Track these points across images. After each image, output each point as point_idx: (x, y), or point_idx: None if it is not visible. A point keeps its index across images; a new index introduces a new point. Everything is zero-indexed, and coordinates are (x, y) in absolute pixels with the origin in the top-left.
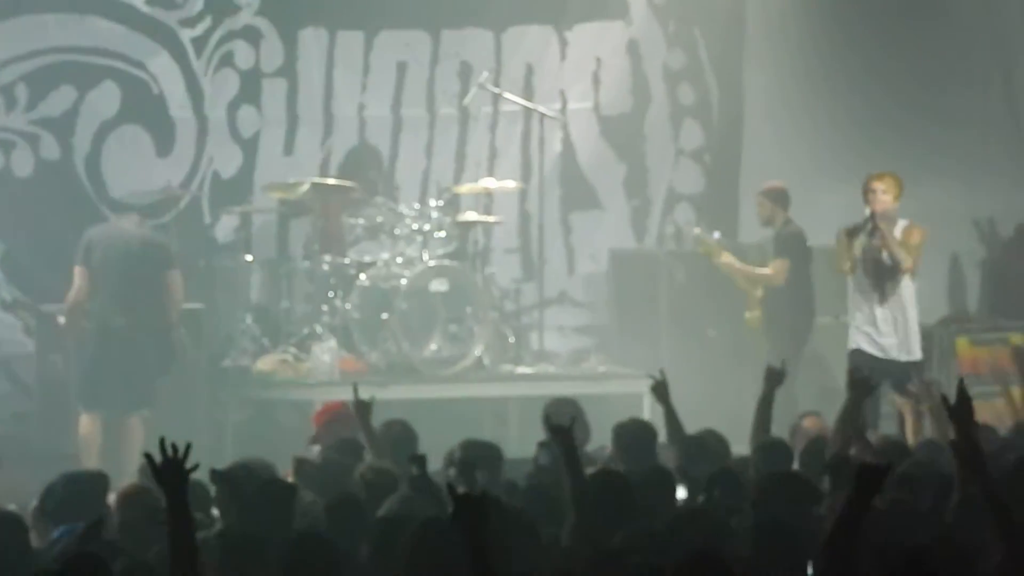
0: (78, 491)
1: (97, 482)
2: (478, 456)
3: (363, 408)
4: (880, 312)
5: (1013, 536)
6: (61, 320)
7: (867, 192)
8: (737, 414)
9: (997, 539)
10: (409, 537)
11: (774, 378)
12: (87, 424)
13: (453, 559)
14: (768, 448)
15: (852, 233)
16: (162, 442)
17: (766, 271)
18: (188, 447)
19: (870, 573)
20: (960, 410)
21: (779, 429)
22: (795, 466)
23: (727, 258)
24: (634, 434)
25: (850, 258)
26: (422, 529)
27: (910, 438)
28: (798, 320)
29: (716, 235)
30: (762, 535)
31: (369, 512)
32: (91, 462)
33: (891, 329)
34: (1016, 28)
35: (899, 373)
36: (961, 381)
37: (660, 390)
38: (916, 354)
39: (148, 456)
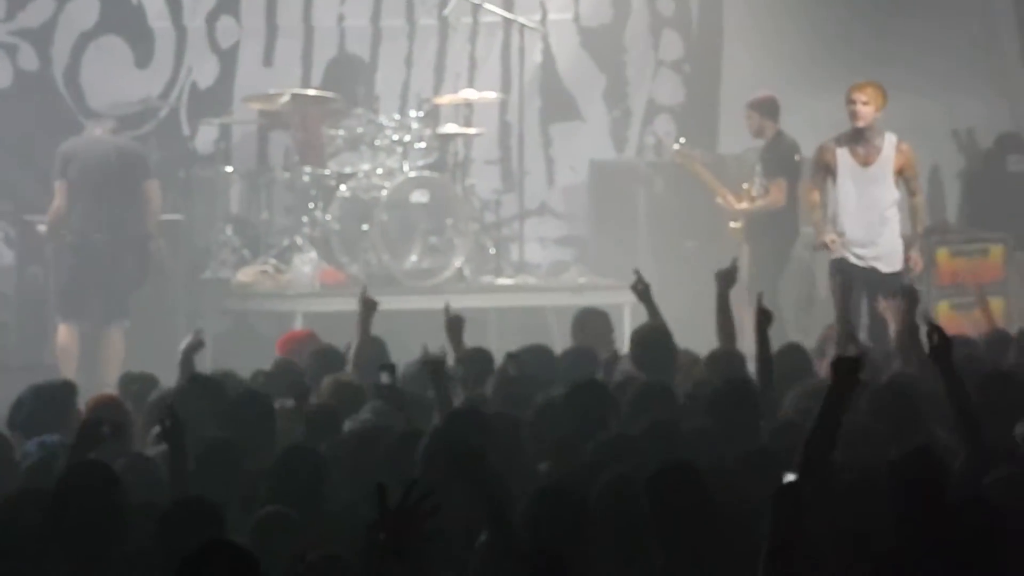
0: (46, 402)
1: (64, 392)
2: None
3: (369, 305)
4: (864, 223)
5: (975, 438)
6: (42, 229)
7: (848, 102)
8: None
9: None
10: (387, 449)
11: (725, 278)
12: (65, 334)
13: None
14: (718, 358)
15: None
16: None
17: (763, 201)
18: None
19: (852, 483)
20: (939, 352)
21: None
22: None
23: (733, 200)
24: (651, 339)
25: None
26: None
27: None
28: (781, 231)
29: (681, 141)
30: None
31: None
32: (69, 373)
33: (883, 243)
34: None
35: (880, 283)
36: (938, 331)
37: (642, 290)
38: (897, 265)
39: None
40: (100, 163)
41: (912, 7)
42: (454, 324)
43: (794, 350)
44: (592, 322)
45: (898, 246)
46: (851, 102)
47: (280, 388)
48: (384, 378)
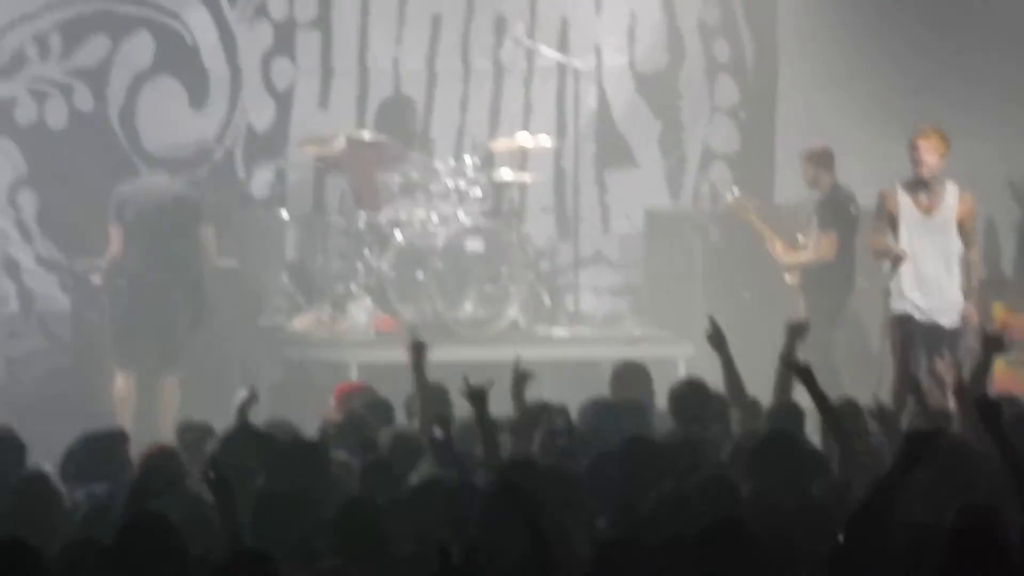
0: (97, 451)
1: (116, 441)
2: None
3: (419, 349)
4: (930, 278)
5: None
6: (96, 278)
7: (913, 150)
8: (771, 376)
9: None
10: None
11: (795, 332)
12: (122, 383)
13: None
14: (779, 411)
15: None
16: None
17: (812, 253)
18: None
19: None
20: (989, 416)
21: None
22: None
23: (782, 251)
24: (689, 397)
25: (881, 241)
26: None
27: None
28: (837, 285)
29: (735, 191)
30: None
31: (399, 476)
32: (126, 421)
33: (946, 298)
34: None
35: (941, 338)
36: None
37: (717, 338)
38: (959, 320)
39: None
40: (155, 208)
41: (970, 53)
42: (520, 380)
43: (847, 405)
44: (631, 377)
45: (959, 300)
46: (915, 149)
47: (349, 441)
48: (437, 432)
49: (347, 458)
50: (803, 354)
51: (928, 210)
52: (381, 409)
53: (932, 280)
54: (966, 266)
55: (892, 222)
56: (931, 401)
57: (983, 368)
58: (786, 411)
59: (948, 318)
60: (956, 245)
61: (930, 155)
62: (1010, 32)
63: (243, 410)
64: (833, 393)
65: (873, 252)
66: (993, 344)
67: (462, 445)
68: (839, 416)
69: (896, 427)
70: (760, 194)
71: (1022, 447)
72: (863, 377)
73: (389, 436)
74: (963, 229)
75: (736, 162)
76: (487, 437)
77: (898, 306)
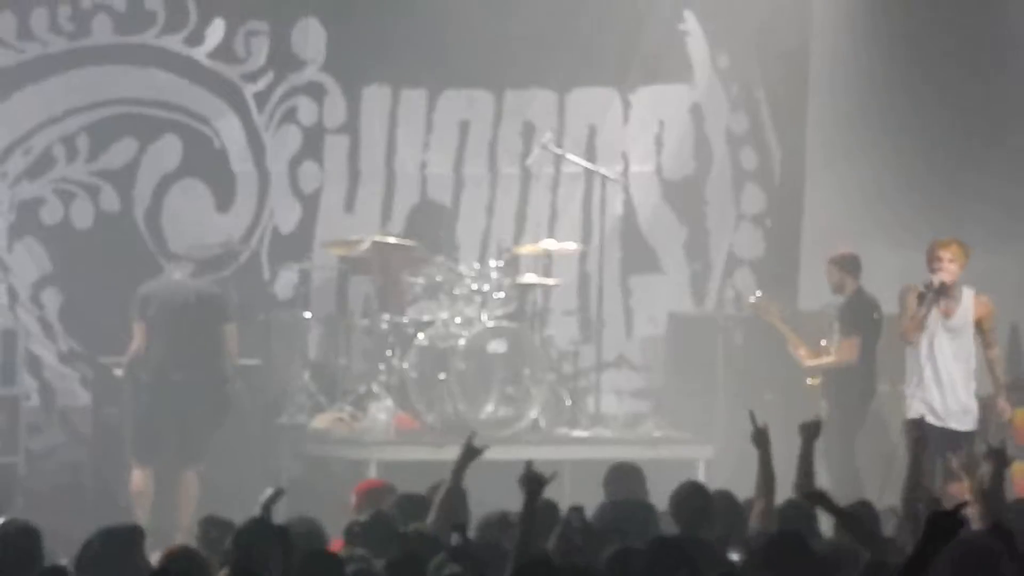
0: (113, 547)
1: (132, 537)
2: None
3: (472, 453)
4: (947, 383)
5: None
6: (118, 372)
7: (932, 259)
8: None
9: None
10: None
11: (809, 430)
12: (139, 478)
13: None
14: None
15: (920, 299)
16: None
17: (835, 358)
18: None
19: None
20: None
21: (847, 497)
22: None
23: (805, 355)
24: (690, 499)
25: (916, 326)
26: None
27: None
28: (859, 388)
29: (758, 294)
30: None
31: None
32: (143, 516)
33: (962, 402)
34: None
35: (955, 443)
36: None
37: (761, 437)
38: (971, 424)
39: None
40: (180, 305)
41: (993, 165)
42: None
43: (862, 507)
44: (625, 477)
45: (973, 405)
46: (937, 259)
47: (373, 540)
48: (455, 539)
49: (367, 554)
50: (827, 457)
51: (947, 313)
52: (412, 505)
53: (948, 384)
54: (990, 365)
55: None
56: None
57: (996, 480)
58: (795, 509)
59: (962, 423)
60: (972, 348)
61: (952, 264)
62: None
63: (267, 506)
64: (856, 496)
65: (905, 329)
66: (999, 458)
67: (483, 539)
68: (861, 522)
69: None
70: (784, 299)
71: None
72: (886, 480)
73: (409, 532)
74: (983, 329)
75: (761, 268)
76: (527, 528)
77: (914, 409)
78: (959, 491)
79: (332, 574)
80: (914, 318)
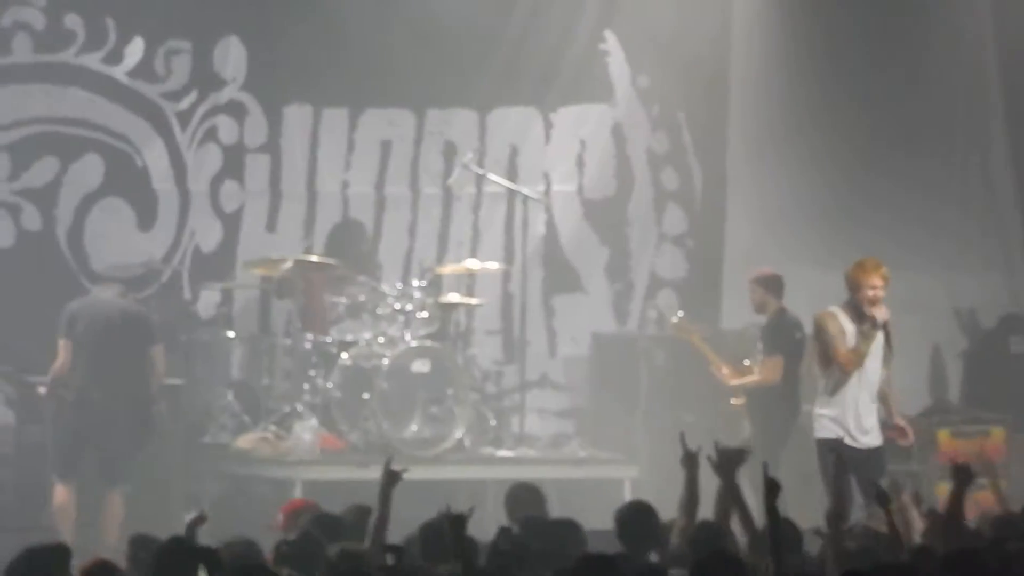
0: (40, 566)
1: (58, 555)
2: None
3: (392, 477)
4: (863, 403)
5: None
6: (42, 391)
7: (864, 286)
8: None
9: None
10: None
11: (733, 460)
12: (61, 494)
13: None
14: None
15: (864, 335)
16: None
17: (757, 377)
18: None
19: None
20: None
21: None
22: None
23: (728, 374)
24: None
25: (858, 360)
26: None
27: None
28: (782, 408)
29: (680, 314)
30: None
31: None
32: (67, 533)
33: (872, 421)
34: (993, 109)
35: (868, 457)
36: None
37: (690, 460)
38: (879, 440)
39: None
40: (105, 325)
41: (914, 185)
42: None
43: (787, 525)
44: (524, 497)
45: (876, 422)
46: (871, 287)
47: (301, 560)
48: (389, 559)
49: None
50: (749, 476)
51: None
52: (329, 524)
53: (864, 404)
54: (890, 385)
55: (830, 346)
56: (872, 522)
57: (957, 499)
58: (711, 530)
59: (873, 439)
60: (879, 371)
61: (883, 292)
62: (956, 157)
63: (191, 528)
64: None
65: (846, 361)
66: (963, 474)
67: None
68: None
69: (840, 547)
70: (707, 320)
71: None
72: (807, 498)
73: (336, 552)
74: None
75: (683, 288)
76: (465, 559)
77: (828, 430)
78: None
79: None
80: (856, 352)
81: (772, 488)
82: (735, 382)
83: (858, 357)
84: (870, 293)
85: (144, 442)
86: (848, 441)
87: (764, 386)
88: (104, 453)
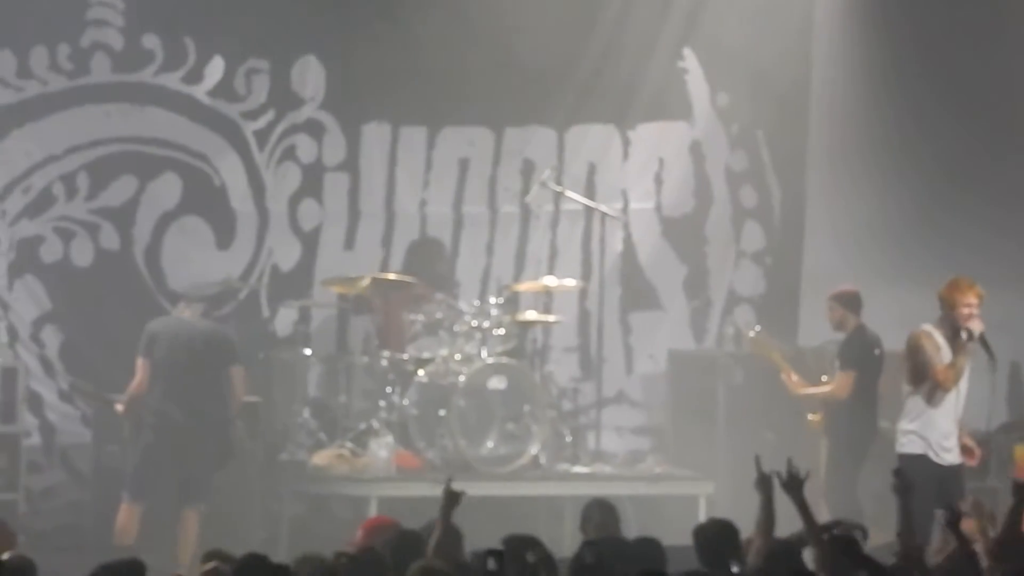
0: None
1: (133, 571)
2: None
3: (453, 498)
4: (949, 421)
5: None
6: (119, 408)
7: (960, 304)
8: (791, 517)
9: None
10: None
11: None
12: (127, 514)
13: None
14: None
15: (960, 349)
16: None
17: (827, 387)
18: None
19: None
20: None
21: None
22: None
23: (796, 383)
24: (716, 536)
25: (956, 376)
26: None
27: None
28: (860, 426)
29: (757, 328)
30: None
31: None
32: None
33: (954, 440)
34: None
35: (955, 475)
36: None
37: (765, 482)
38: (959, 458)
39: None
40: (186, 345)
41: (1002, 197)
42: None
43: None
44: (597, 514)
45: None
46: (967, 305)
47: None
48: (491, 564)
49: None
50: (829, 495)
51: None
52: (412, 541)
53: (949, 422)
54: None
55: (927, 364)
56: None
57: (1016, 515)
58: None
59: (955, 457)
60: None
61: (978, 308)
62: None
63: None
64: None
65: (944, 379)
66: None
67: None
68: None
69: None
70: (784, 337)
71: None
72: (885, 516)
73: (419, 570)
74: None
75: (761, 305)
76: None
77: (914, 446)
78: (969, 528)
79: None
80: (954, 368)
81: (794, 483)
82: (802, 390)
83: (956, 373)
84: (965, 311)
85: (222, 463)
86: (932, 457)
87: (833, 399)
88: (181, 473)
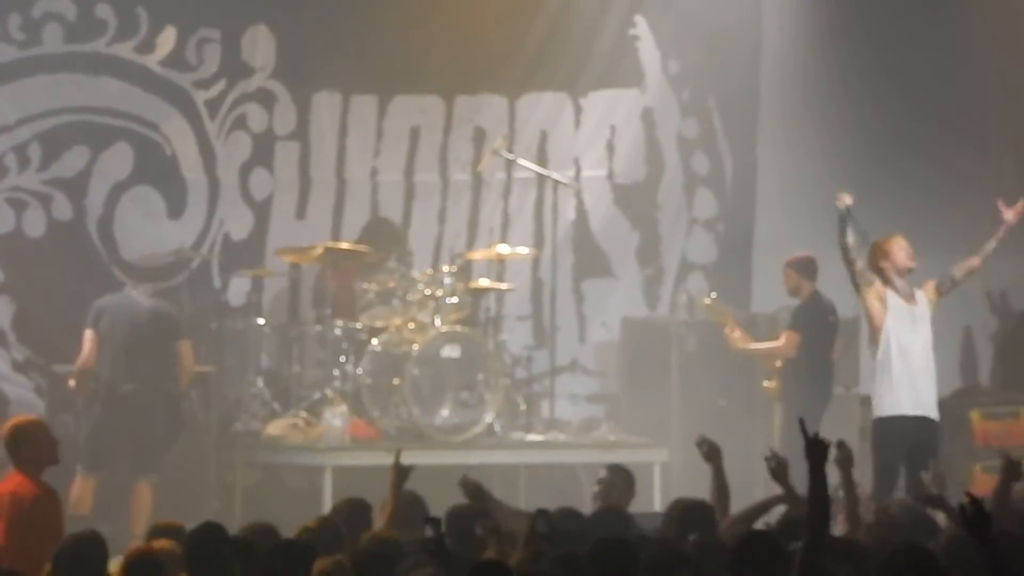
0: (86, 553)
1: (97, 542)
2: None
3: (402, 472)
4: (915, 367)
5: None
6: (71, 383)
7: (902, 248)
8: (746, 484)
9: None
10: None
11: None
12: (80, 486)
13: None
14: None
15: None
16: None
17: (774, 343)
18: None
19: None
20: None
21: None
22: None
23: (739, 337)
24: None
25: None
26: None
27: None
28: (815, 392)
29: (713, 295)
30: None
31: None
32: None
33: (925, 386)
34: None
35: (927, 432)
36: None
37: (712, 453)
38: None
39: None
40: (130, 320)
41: (948, 169)
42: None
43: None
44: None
45: (935, 396)
46: (902, 248)
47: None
48: (428, 531)
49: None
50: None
51: (909, 299)
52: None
53: (921, 373)
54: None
55: (879, 310)
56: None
57: (1003, 493)
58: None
59: (934, 412)
60: (931, 337)
61: (908, 250)
62: (979, 156)
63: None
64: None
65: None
66: (1013, 471)
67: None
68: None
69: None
70: (737, 304)
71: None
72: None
73: (370, 539)
74: (943, 288)
75: (713, 272)
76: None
77: (885, 409)
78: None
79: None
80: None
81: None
82: (743, 344)
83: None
84: (905, 251)
85: (173, 437)
86: (909, 411)
87: (775, 357)
88: (134, 446)
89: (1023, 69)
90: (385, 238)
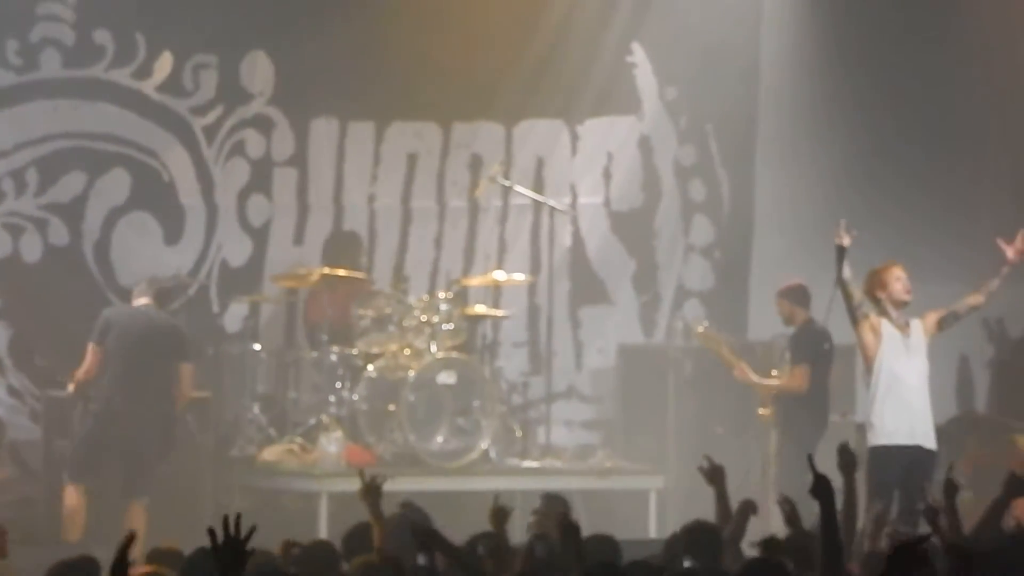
0: None
1: (90, 569)
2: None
3: (373, 492)
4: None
5: None
6: (70, 388)
7: (896, 280)
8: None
9: None
10: None
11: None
12: (72, 496)
13: None
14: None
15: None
16: (225, 520)
17: (782, 381)
18: (252, 529)
19: None
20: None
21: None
22: None
23: (742, 371)
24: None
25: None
26: None
27: None
28: (810, 419)
29: (705, 324)
30: None
31: None
32: (75, 535)
33: (921, 416)
34: None
35: (922, 463)
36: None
37: (715, 474)
38: (934, 443)
39: (211, 531)
40: (139, 336)
41: (941, 196)
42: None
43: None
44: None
45: (932, 425)
46: (898, 279)
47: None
48: (420, 559)
49: None
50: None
51: (903, 329)
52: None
53: (915, 403)
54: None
55: (872, 341)
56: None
57: (999, 508)
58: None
59: (929, 441)
60: (927, 368)
61: (905, 282)
62: (975, 179)
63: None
64: (809, 524)
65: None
66: (1016, 487)
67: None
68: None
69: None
70: (733, 331)
71: None
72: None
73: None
74: (945, 324)
75: (710, 299)
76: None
77: (880, 438)
78: None
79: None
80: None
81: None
82: (757, 380)
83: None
84: (899, 284)
85: (164, 457)
86: (902, 441)
87: (789, 393)
88: (126, 464)
89: (1020, 93)
90: (345, 250)
